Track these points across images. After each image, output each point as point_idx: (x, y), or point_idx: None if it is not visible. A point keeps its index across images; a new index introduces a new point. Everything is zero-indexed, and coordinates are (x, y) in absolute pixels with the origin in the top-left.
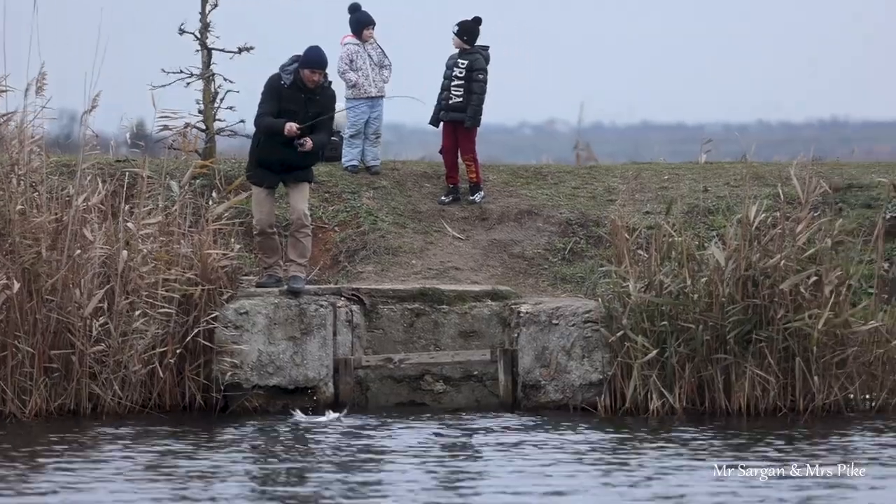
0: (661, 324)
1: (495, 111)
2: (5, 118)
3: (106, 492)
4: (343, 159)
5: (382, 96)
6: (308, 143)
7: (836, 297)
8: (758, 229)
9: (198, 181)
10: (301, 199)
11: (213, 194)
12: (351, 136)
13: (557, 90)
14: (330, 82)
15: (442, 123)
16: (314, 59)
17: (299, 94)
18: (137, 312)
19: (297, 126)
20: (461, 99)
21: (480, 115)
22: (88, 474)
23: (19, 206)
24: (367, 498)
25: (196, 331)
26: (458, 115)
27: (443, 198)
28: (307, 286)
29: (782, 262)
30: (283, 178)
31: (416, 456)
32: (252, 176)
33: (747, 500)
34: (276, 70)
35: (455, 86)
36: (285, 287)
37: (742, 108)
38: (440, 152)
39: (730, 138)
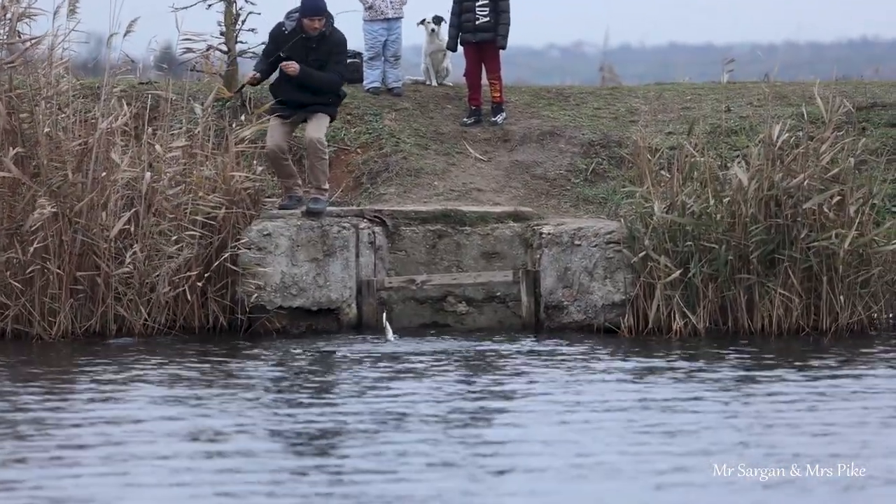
0: (686, 244)
1: (522, 33)
2: (34, 41)
3: (136, 403)
4: (364, 81)
5: (400, 18)
6: (292, 65)
7: (860, 217)
8: (781, 149)
9: (227, 104)
10: (315, 128)
11: (242, 117)
12: (370, 59)
13: (585, 11)
14: (333, 29)
15: (463, 46)
16: (309, 6)
17: (300, 42)
18: (162, 235)
19: (255, 73)
20: (488, 19)
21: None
22: (117, 389)
23: (46, 129)
24: (391, 407)
25: (225, 254)
26: (487, 35)
27: (465, 119)
28: (330, 208)
29: (806, 181)
30: (301, 113)
31: (438, 374)
32: (270, 109)
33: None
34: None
35: (480, 6)
36: (305, 208)
37: (771, 29)
38: (464, 75)
39: (756, 59)
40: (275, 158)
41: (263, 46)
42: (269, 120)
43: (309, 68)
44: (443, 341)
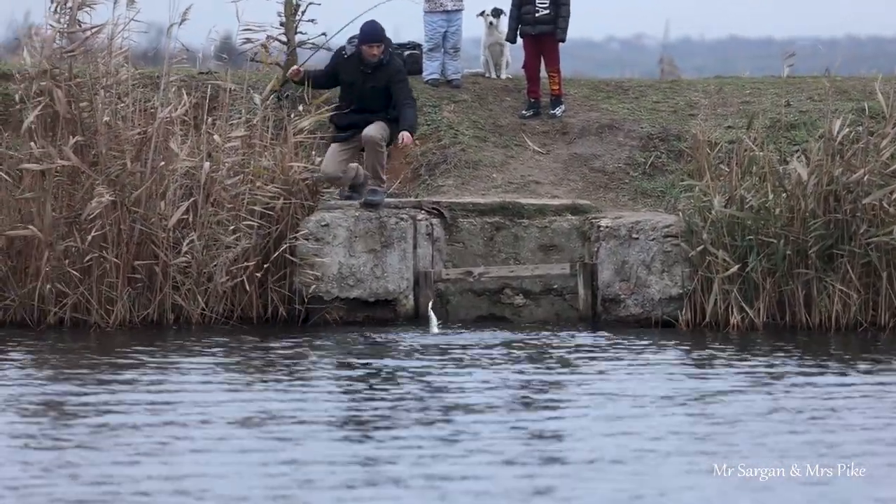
0: (748, 238)
1: (581, 25)
2: (95, 30)
3: (194, 389)
4: (423, 73)
5: (460, 10)
6: (407, 138)
7: None
8: (841, 144)
9: (286, 95)
10: (376, 129)
11: (300, 107)
12: (430, 50)
13: (645, 3)
14: (391, 57)
15: (522, 38)
16: (368, 33)
17: (358, 67)
18: (220, 225)
19: (299, 67)
20: (548, 11)
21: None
22: (175, 376)
23: (105, 118)
24: (447, 397)
25: (284, 246)
26: (547, 27)
27: (524, 112)
28: (388, 199)
29: (865, 176)
30: (360, 135)
31: (491, 364)
32: (331, 137)
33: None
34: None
35: None
36: (363, 200)
37: (833, 22)
38: (523, 67)
39: (817, 53)
40: (329, 181)
41: (322, 37)
42: (327, 110)
43: (406, 123)
44: (494, 333)
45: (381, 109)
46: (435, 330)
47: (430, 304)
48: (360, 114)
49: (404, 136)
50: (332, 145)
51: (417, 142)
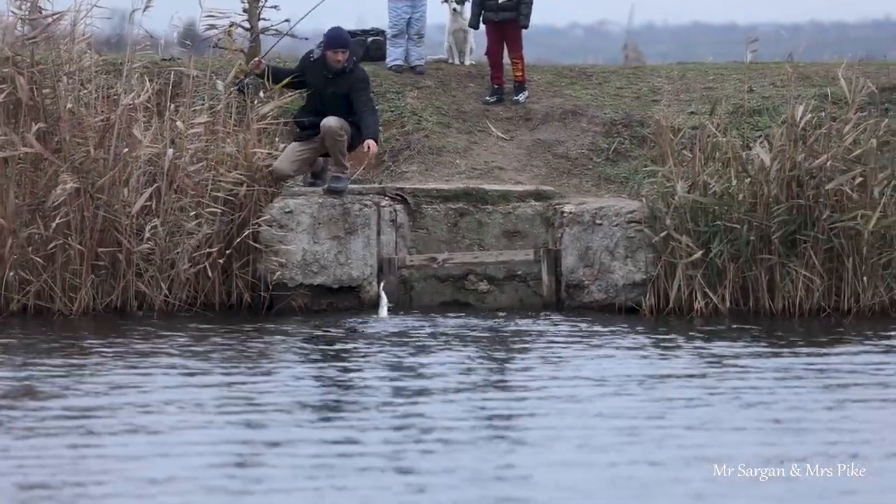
0: (715, 224)
1: (545, 11)
2: (57, 17)
3: (156, 376)
4: (387, 59)
5: None
6: (373, 147)
7: (883, 198)
8: (804, 130)
9: (246, 84)
10: (335, 120)
11: (260, 93)
12: (394, 36)
13: None
14: (355, 65)
15: (485, 24)
16: (334, 38)
17: (322, 72)
18: (183, 211)
19: (259, 59)
20: None
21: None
22: (138, 362)
23: (68, 105)
24: (409, 381)
25: (247, 232)
26: (510, 14)
27: (487, 98)
28: (351, 185)
29: (828, 162)
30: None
31: (459, 351)
32: (294, 136)
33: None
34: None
35: None
36: (327, 186)
37: (796, 8)
38: (486, 54)
39: (780, 38)
40: (280, 179)
41: (286, 24)
42: (289, 95)
43: (369, 131)
44: (456, 318)
45: (342, 115)
46: (384, 313)
47: (383, 284)
48: (320, 116)
49: (370, 144)
50: (292, 143)
51: (381, 128)
